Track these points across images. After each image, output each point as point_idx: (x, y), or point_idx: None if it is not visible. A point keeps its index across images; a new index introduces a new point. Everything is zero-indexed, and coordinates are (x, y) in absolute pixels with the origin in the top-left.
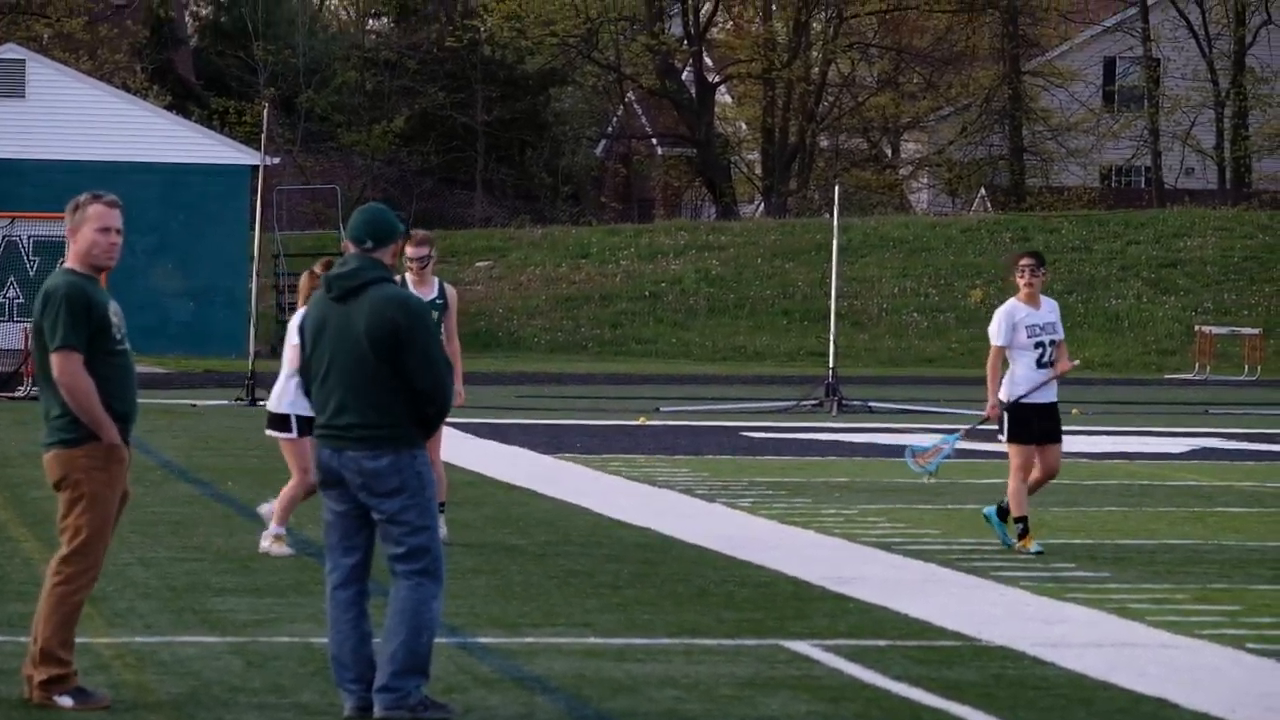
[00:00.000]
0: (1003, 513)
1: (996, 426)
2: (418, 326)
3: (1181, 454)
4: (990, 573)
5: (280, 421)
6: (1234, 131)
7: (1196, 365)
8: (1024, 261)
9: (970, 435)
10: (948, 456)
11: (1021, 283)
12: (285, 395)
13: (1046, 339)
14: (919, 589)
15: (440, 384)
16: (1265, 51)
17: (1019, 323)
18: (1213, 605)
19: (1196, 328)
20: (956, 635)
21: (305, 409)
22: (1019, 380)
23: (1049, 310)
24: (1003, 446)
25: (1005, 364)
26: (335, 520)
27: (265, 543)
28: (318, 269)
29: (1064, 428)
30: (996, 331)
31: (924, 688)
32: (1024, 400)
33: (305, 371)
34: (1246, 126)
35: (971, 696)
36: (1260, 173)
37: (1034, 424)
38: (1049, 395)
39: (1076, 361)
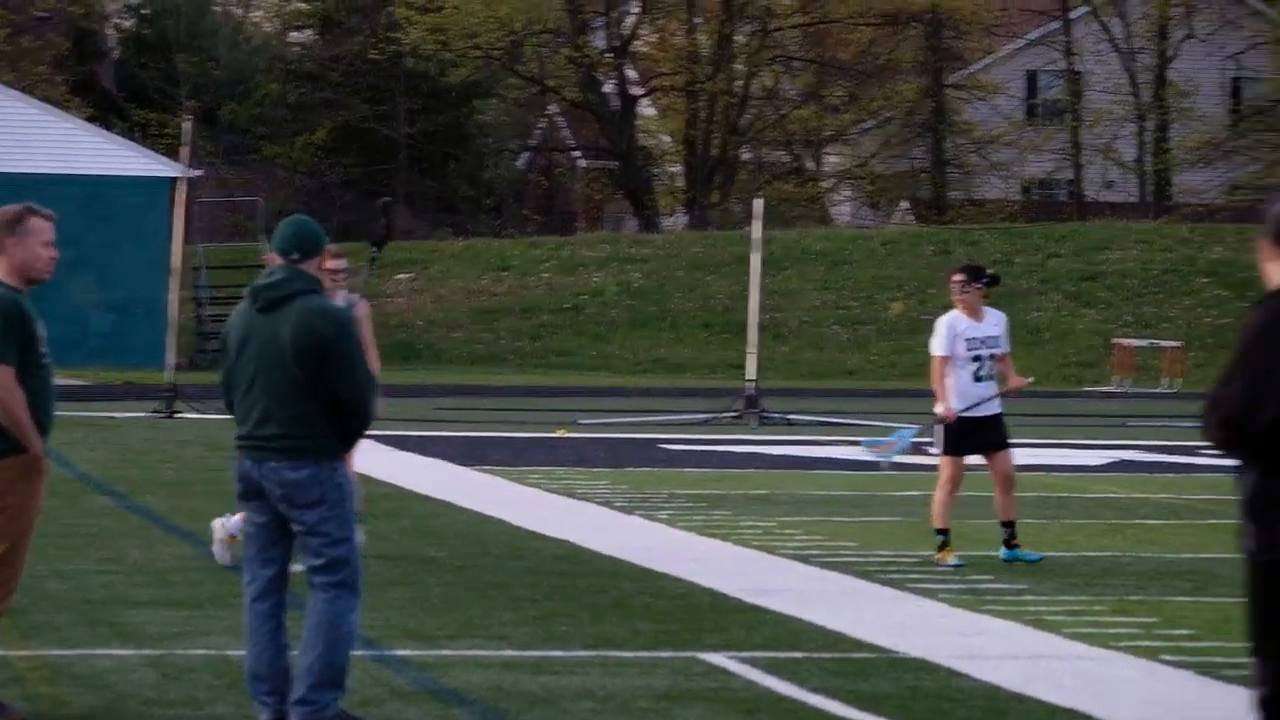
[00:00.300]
0: (1008, 543)
1: (939, 434)
2: (343, 338)
3: (1099, 466)
4: (907, 584)
5: None
6: (1155, 145)
7: (1115, 378)
8: (955, 277)
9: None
10: (903, 451)
11: (954, 298)
12: None
13: (985, 352)
14: (836, 601)
15: (363, 396)
16: (1187, 65)
17: (959, 334)
18: (1129, 617)
19: (1114, 340)
20: (873, 647)
21: None
22: (956, 393)
23: (992, 324)
24: (931, 459)
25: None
26: (255, 532)
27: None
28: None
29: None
30: (938, 342)
31: (840, 699)
32: (964, 414)
33: (228, 382)
34: (1167, 140)
35: (888, 708)
36: (1181, 186)
37: (975, 436)
38: (993, 408)
39: (1030, 378)
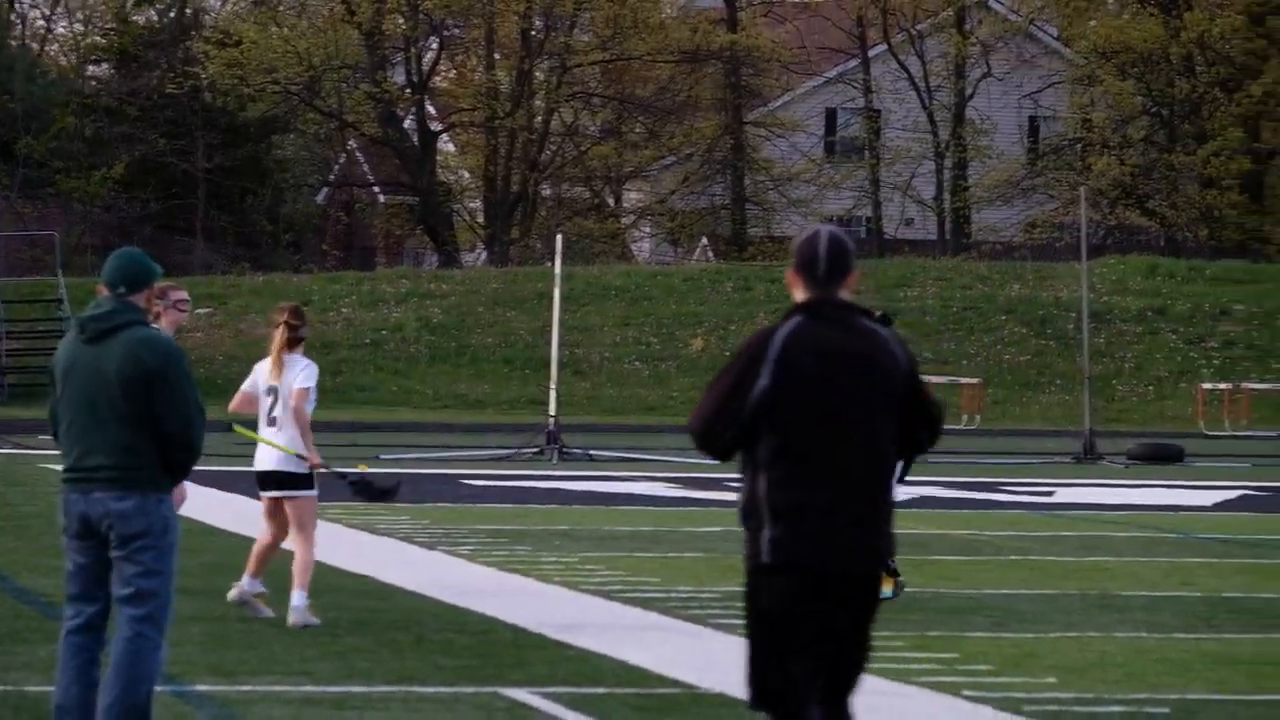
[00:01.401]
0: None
1: None
2: (171, 369)
3: (900, 503)
4: (709, 620)
5: (303, 481)
6: (954, 183)
7: None
8: None
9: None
10: None
11: None
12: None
13: None
14: (639, 636)
15: (191, 427)
16: (985, 103)
17: None
18: (930, 653)
19: None
20: (675, 683)
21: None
22: None
23: None
24: (719, 495)
25: None
26: (78, 571)
27: (308, 616)
28: (284, 318)
29: None
30: None
31: None
32: None
33: (54, 414)
34: (966, 178)
35: None
36: (979, 223)
37: None
38: None
39: None
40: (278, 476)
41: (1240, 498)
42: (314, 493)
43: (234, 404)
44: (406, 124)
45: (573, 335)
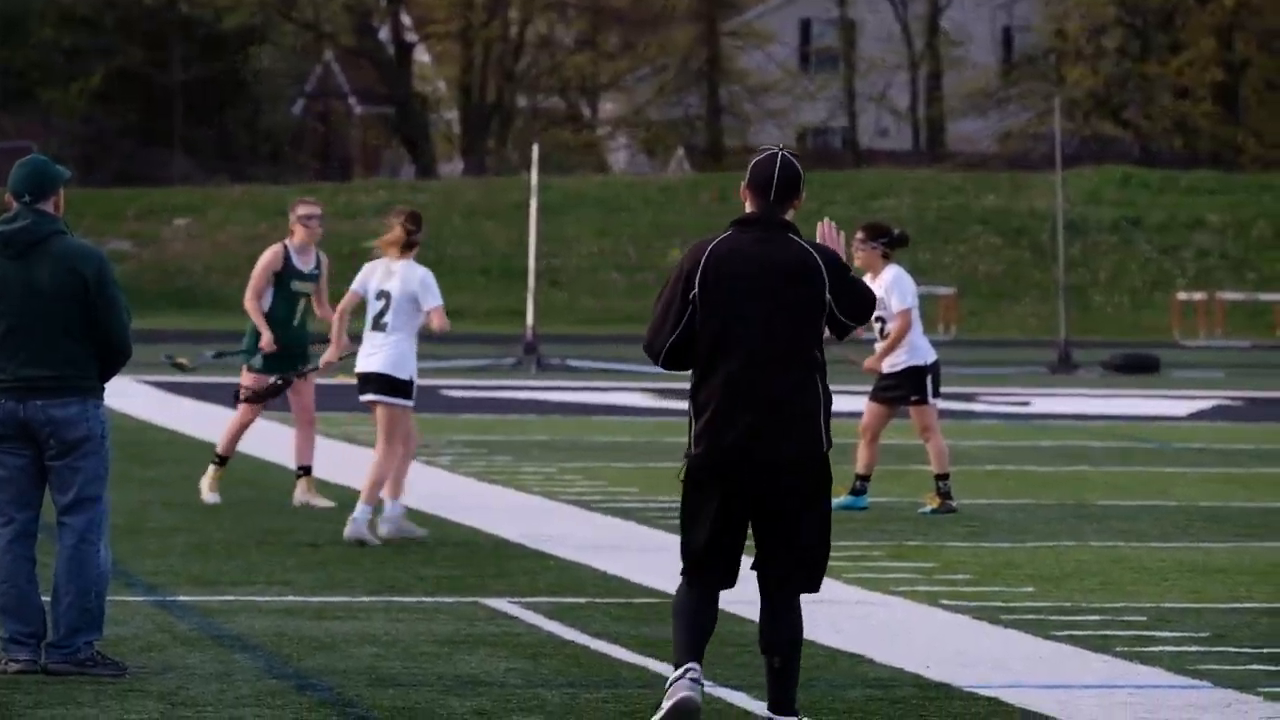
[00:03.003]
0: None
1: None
2: (104, 278)
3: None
4: None
5: (404, 388)
6: (929, 93)
7: None
8: (857, 234)
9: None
10: None
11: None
12: (407, 360)
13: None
14: (617, 546)
15: (125, 333)
16: (959, 13)
17: None
18: (907, 562)
19: None
20: (654, 592)
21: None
22: (925, 344)
23: (878, 286)
24: None
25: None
26: (12, 475)
27: (366, 531)
28: (401, 220)
29: None
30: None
31: (623, 644)
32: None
33: None
34: (941, 88)
35: (669, 653)
36: (954, 134)
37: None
38: (890, 364)
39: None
40: (376, 379)
41: (1215, 407)
42: (409, 403)
43: (343, 304)
44: (382, 34)
45: (550, 246)
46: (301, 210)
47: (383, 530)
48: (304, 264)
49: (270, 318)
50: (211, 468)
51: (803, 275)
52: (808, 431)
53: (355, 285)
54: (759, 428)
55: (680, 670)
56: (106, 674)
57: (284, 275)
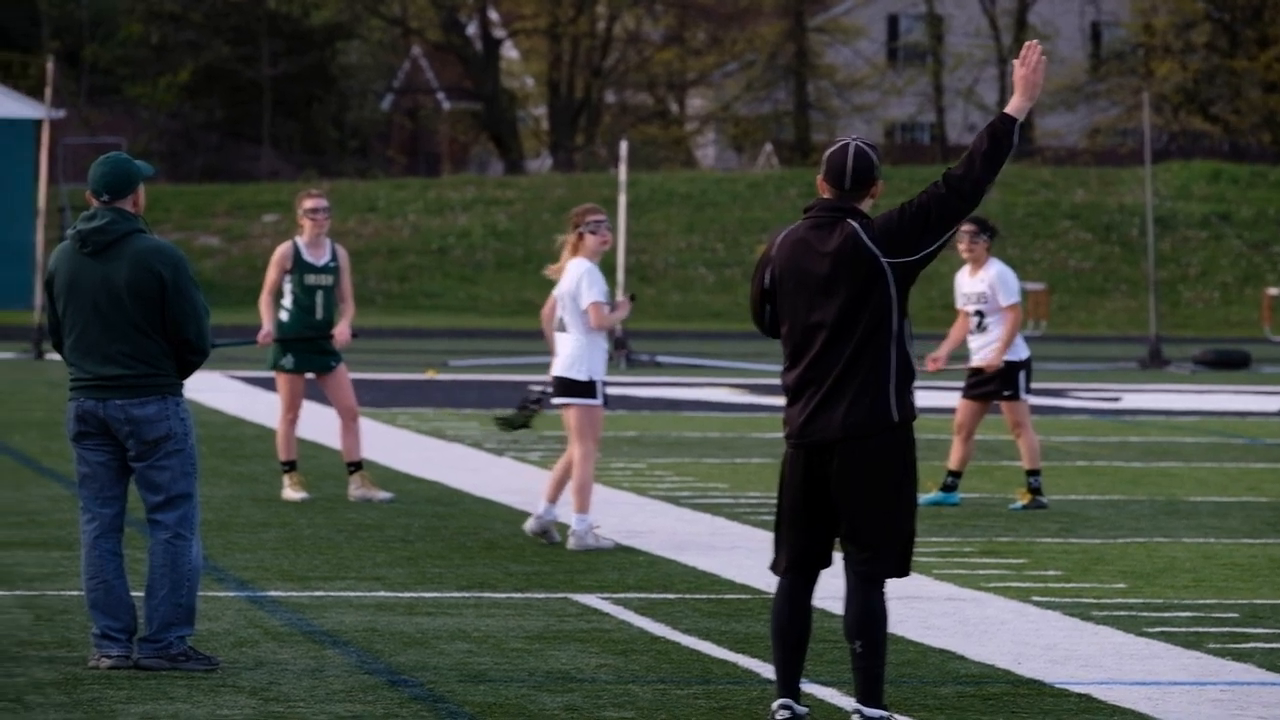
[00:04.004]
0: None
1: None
2: (181, 277)
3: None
4: None
5: (582, 388)
6: None
7: None
8: (964, 228)
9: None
10: None
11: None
12: (583, 359)
13: (970, 308)
14: (707, 542)
15: (204, 332)
16: (1047, 8)
17: (957, 288)
18: (999, 558)
19: None
20: (745, 588)
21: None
22: (952, 342)
23: (979, 280)
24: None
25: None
26: (94, 472)
27: (590, 539)
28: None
29: None
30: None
31: (713, 641)
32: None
33: (58, 328)
34: None
35: (759, 650)
36: (1043, 129)
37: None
38: (980, 358)
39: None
40: (558, 383)
41: None
42: (596, 402)
43: (544, 309)
44: (470, 30)
45: (638, 241)
46: (308, 204)
47: (529, 525)
48: (316, 257)
49: (294, 312)
50: (285, 476)
51: (850, 255)
52: (866, 406)
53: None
54: (819, 406)
55: (774, 706)
56: (199, 669)
57: (296, 270)
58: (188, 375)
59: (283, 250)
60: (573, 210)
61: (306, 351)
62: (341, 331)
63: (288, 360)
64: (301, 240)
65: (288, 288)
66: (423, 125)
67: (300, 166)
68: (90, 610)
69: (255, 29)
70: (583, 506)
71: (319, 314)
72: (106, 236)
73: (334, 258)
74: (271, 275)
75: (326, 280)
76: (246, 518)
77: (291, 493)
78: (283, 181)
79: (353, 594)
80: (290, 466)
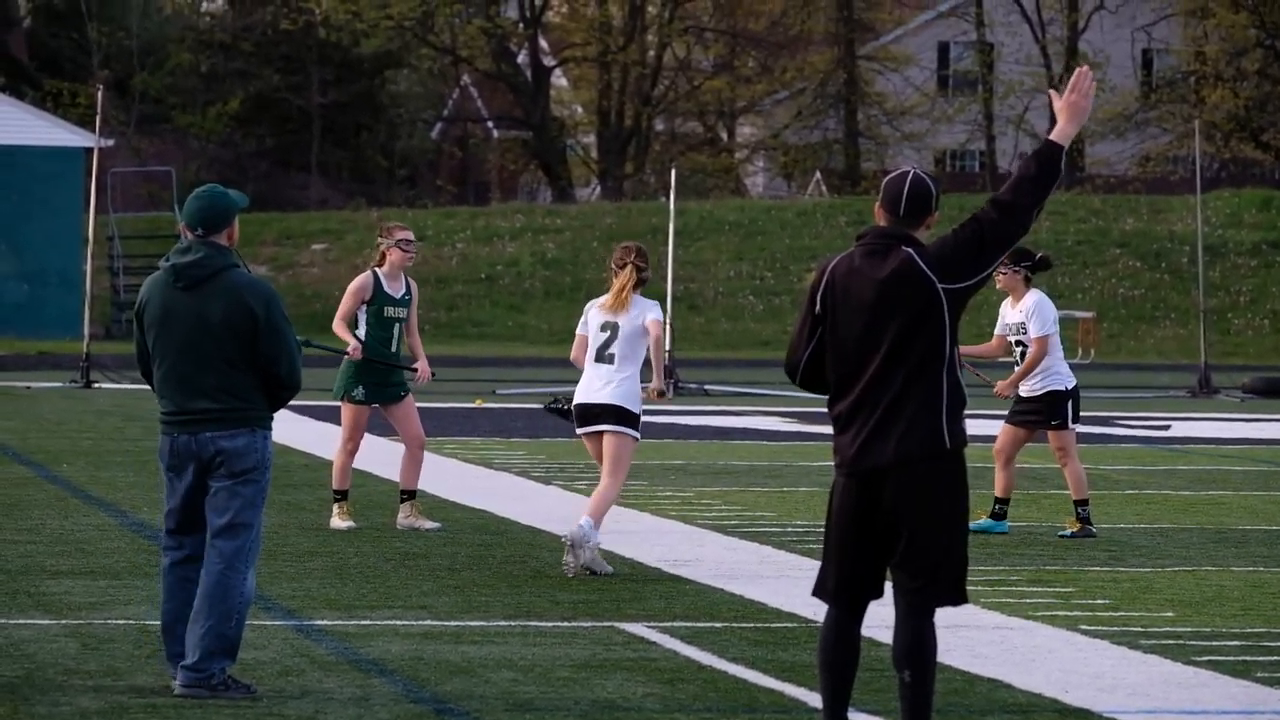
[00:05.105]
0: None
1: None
2: (273, 313)
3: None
4: None
5: (633, 420)
6: None
7: None
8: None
9: (808, 418)
10: None
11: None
12: (636, 393)
13: (1011, 338)
14: (755, 571)
15: (295, 367)
16: (1098, 36)
17: (1000, 317)
18: (1047, 587)
19: None
20: (792, 617)
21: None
22: (1065, 369)
23: (1019, 310)
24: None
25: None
26: (182, 504)
27: (588, 554)
28: (632, 259)
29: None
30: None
31: (760, 669)
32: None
33: (146, 358)
34: None
35: (807, 678)
36: (1093, 157)
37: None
38: (1027, 388)
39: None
40: (608, 410)
41: None
42: (636, 434)
43: (574, 353)
44: (520, 59)
45: (687, 270)
46: (400, 234)
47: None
48: (394, 289)
49: (369, 345)
50: (335, 505)
51: (905, 281)
52: (919, 433)
53: (580, 328)
54: (872, 434)
55: None
56: (239, 697)
57: (375, 301)
58: (278, 409)
59: (362, 280)
60: (621, 247)
61: (378, 384)
62: (424, 369)
63: (359, 392)
64: (382, 271)
65: (363, 318)
66: (472, 154)
67: (349, 195)
68: (164, 635)
69: (305, 57)
70: (597, 515)
71: (394, 346)
72: (202, 271)
73: (409, 291)
74: (349, 304)
75: (402, 313)
76: (294, 546)
77: (339, 521)
78: (331, 210)
79: (399, 623)
80: (342, 496)
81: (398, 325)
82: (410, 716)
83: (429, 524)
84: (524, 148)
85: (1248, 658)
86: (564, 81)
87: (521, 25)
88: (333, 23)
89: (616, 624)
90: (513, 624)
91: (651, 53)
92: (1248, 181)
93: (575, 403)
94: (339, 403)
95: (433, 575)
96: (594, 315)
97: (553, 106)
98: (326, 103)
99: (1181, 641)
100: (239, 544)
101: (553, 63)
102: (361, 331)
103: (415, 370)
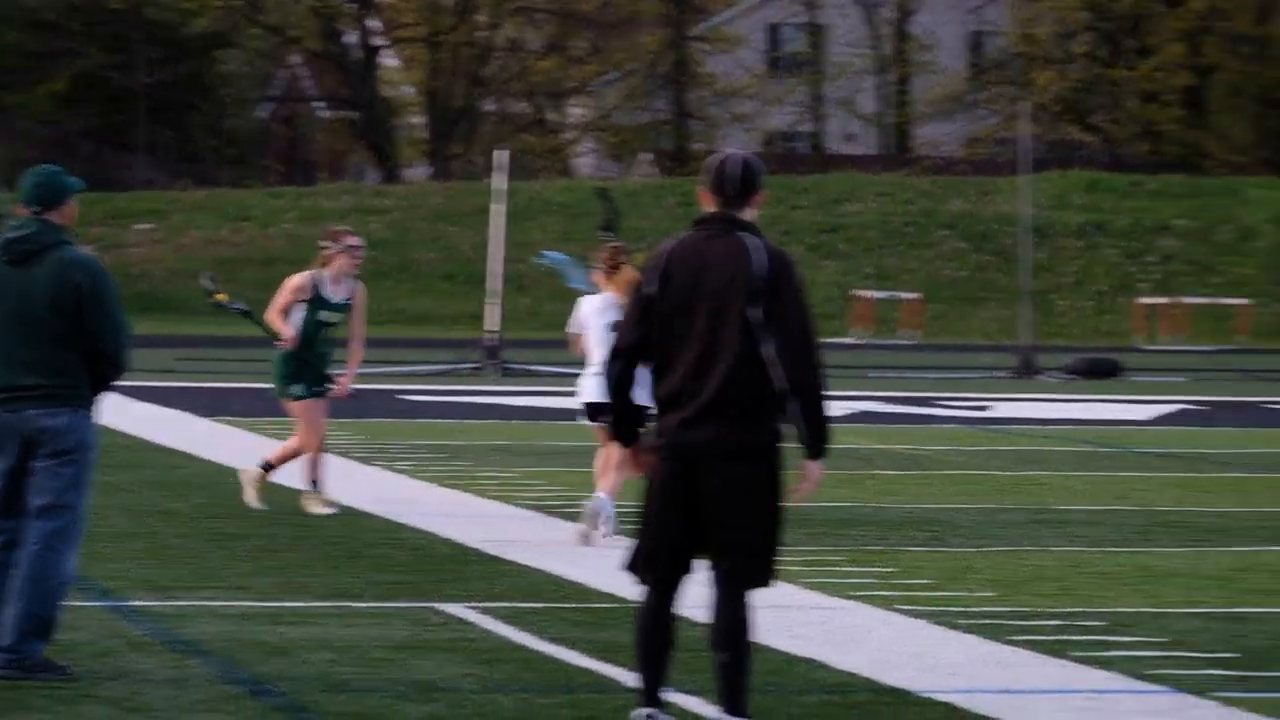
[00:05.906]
0: None
1: None
2: (100, 289)
3: (840, 417)
4: None
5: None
6: (896, 98)
7: (854, 330)
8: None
9: None
10: (560, 264)
11: None
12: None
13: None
14: (575, 552)
15: (121, 345)
16: (928, 18)
17: None
18: (867, 567)
19: (853, 292)
20: (611, 597)
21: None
22: None
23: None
24: None
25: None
26: (2, 483)
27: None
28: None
29: None
30: None
31: (579, 649)
32: None
33: None
34: (908, 93)
35: (624, 658)
36: (921, 139)
37: None
38: None
39: None
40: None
41: (1178, 412)
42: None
43: (579, 349)
44: (349, 39)
45: (515, 250)
46: (351, 240)
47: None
48: (335, 294)
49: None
50: (304, 494)
51: (740, 269)
52: (745, 419)
53: (571, 327)
54: (698, 420)
55: (639, 715)
56: (54, 678)
57: (313, 304)
58: (104, 389)
59: (301, 280)
60: (610, 248)
61: (313, 379)
62: (343, 384)
63: (298, 388)
64: (326, 274)
65: (297, 318)
66: (300, 134)
67: (176, 175)
68: None
69: (132, 37)
70: (613, 494)
71: (316, 348)
72: (30, 246)
73: (350, 295)
74: (284, 300)
75: (336, 318)
76: (111, 527)
77: (318, 508)
78: (158, 190)
79: (217, 603)
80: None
81: (328, 329)
82: (226, 698)
83: (326, 509)
84: (352, 128)
85: (1064, 637)
86: (394, 61)
87: (351, 5)
88: (160, 2)
89: (435, 604)
90: (330, 604)
91: (482, 33)
92: (1075, 163)
93: (591, 400)
94: (282, 401)
95: (251, 556)
96: (594, 315)
97: (382, 87)
98: (153, 82)
99: (1000, 621)
100: (59, 525)
101: (382, 43)
102: (294, 327)
103: (280, 340)
